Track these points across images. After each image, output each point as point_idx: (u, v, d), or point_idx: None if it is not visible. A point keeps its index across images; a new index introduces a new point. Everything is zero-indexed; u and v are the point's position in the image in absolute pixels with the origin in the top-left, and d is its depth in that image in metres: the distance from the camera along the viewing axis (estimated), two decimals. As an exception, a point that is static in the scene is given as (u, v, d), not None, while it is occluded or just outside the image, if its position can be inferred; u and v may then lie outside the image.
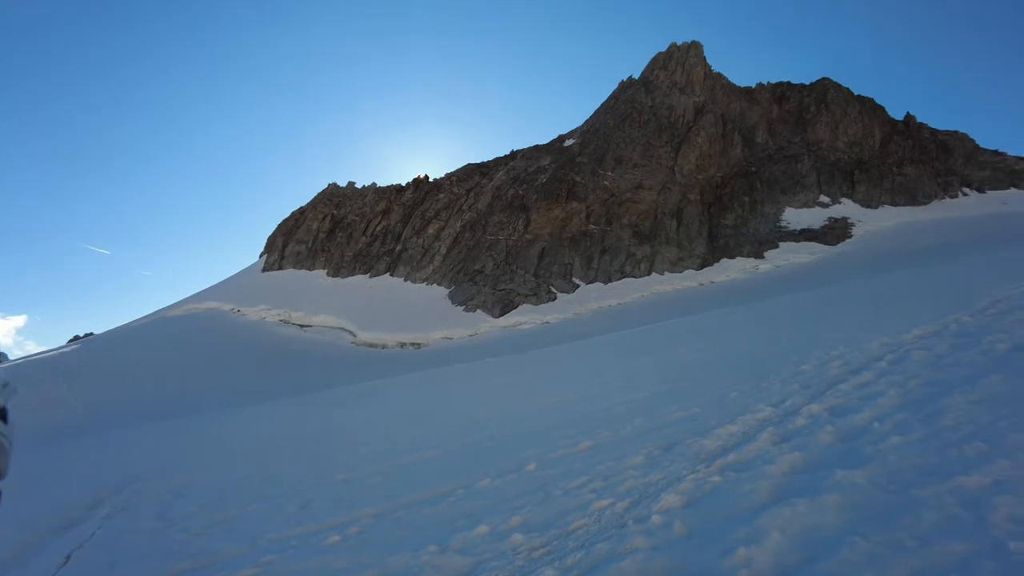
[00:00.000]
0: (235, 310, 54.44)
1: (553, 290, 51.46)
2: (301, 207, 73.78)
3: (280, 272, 65.93)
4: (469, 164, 74.88)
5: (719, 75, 74.77)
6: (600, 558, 3.44)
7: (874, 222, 57.56)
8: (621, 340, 22.48)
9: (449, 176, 72.68)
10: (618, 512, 4.12)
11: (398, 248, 63.43)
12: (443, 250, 61.07)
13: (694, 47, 74.88)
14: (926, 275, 19.91)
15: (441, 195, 67.95)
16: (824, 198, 62.81)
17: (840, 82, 74.16)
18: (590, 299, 49.00)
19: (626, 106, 70.35)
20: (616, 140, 65.49)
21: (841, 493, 3.39)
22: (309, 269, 65.60)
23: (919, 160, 67.09)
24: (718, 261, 53.74)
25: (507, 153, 75.07)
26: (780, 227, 57.65)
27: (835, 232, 55.27)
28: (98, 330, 58.95)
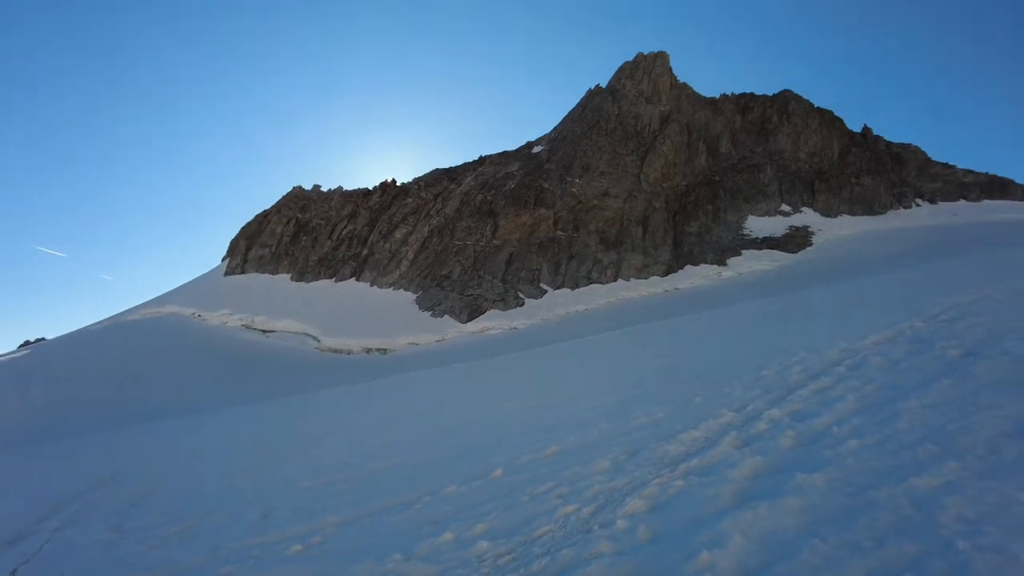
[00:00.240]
0: (196, 315, 53.11)
1: (521, 296, 51.56)
2: (265, 210, 72.48)
3: (243, 276, 64.58)
4: (437, 169, 74.66)
5: (684, 85, 76.13)
6: (565, 564, 3.44)
7: (833, 231, 59.19)
8: (588, 346, 22.63)
9: (417, 181, 72.33)
10: (584, 517, 4.13)
11: (364, 253, 62.78)
12: (410, 255, 60.67)
13: (660, 57, 76.11)
14: (882, 283, 20.53)
15: (409, 200, 67.56)
16: (785, 207, 64.37)
17: (801, 94, 76.30)
18: (557, 305, 49.22)
19: (593, 114, 71.07)
20: (584, 148, 66.08)
21: (801, 496, 3.46)
22: (272, 273, 64.42)
23: (875, 171, 69.32)
24: (682, 268, 54.58)
25: (476, 159, 75.10)
26: (743, 235, 58.86)
27: (796, 240, 56.66)
28: (51, 335, 56.81)
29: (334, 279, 61.09)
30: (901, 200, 67.04)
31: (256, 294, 57.31)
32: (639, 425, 6.59)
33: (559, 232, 57.57)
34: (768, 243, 56.69)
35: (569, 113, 77.26)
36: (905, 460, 3.66)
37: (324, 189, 75.28)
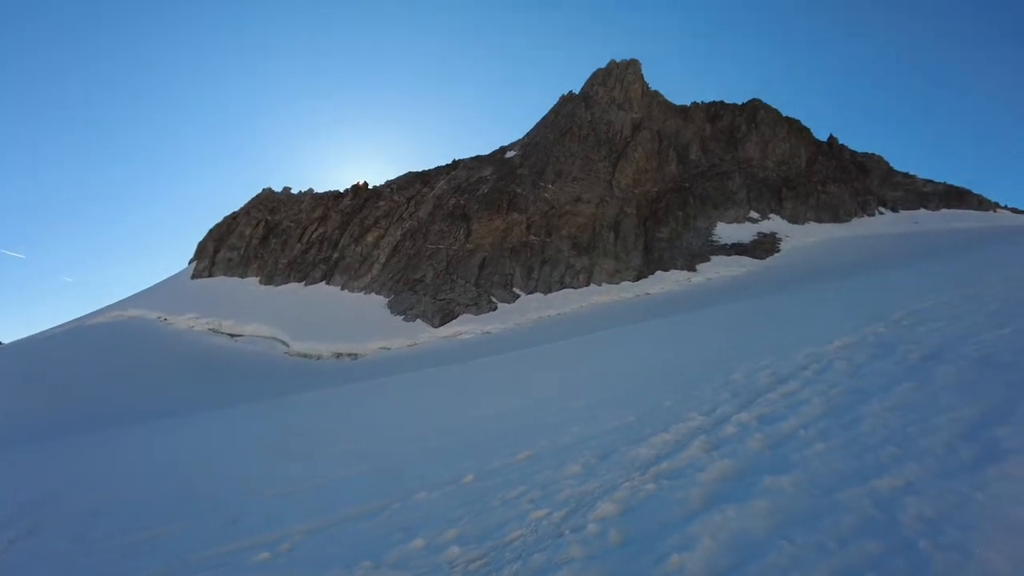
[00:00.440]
0: (162, 318, 51.90)
1: (494, 300, 51.53)
2: (234, 212, 71.26)
3: (210, 279, 63.34)
4: (410, 172, 74.28)
5: (656, 93, 77.14)
6: (536, 568, 3.44)
7: (800, 237, 60.46)
8: (560, 350, 22.69)
9: (389, 184, 71.86)
10: (555, 521, 4.14)
11: (335, 256, 62.10)
12: (382, 259, 60.21)
13: (632, 65, 77.01)
14: (847, 288, 21.00)
15: (381, 203, 67.07)
16: (754, 214, 65.56)
17: (769, 103, 77.94)
18: (530, 309, 49.30)
19: (566, 120, 71.53)
20: (556, 153, 66.43)
21: (769, 498, 3.51)
22: (241, 277, 63.31)
23: (841, 180, 71.07)
24: (653, 273, 55.16)
25: (449, 163, 74.94)
26: (712, 241, 59.75)
27: (764, 246, 57.73)
28: (7, 339, 54.97)
29: (304, 283, 60.29)
30: (865, 208, 68.82)
31: (224, 297, 56.24)
32: (610, 429, 6.63)
33: (532, 237, 57.73)
34: (737, 249, 57.64)
35: (542, 119, 77.68)
36: (868, 462, 3.74)
37: (294, 191, 74.36)
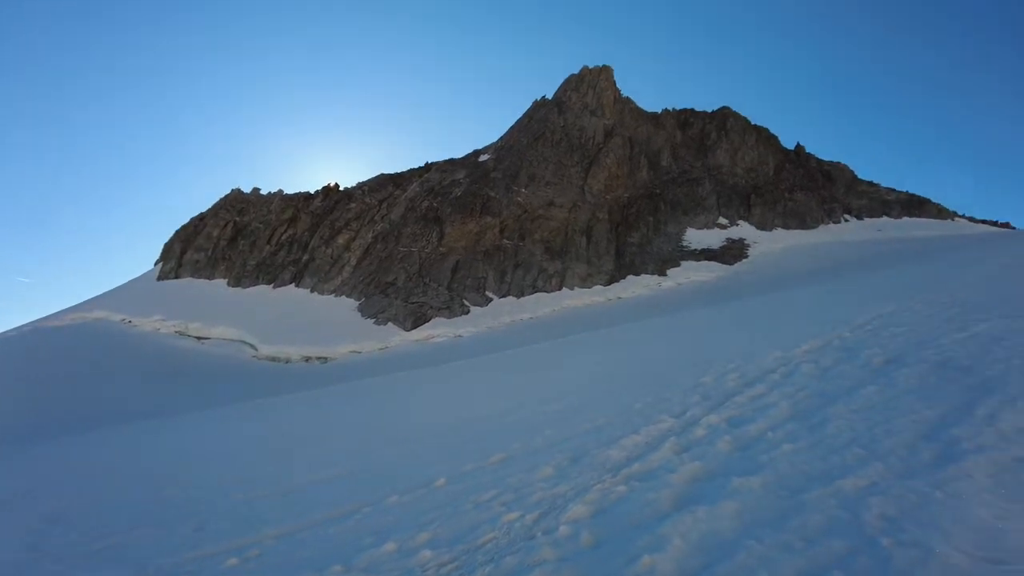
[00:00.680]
0: (126, 320, 50.55)
1: (466, 303, 51.38)
2: (201, 213, 69.83)
3: (177, 281, 61.94)
4: (382, 174, 73.69)
5: (628, 100, 77.92)
6: (509, 570, 3.44)
7: (768, 243, 61.58)
8: (533, 353, 22.73)
9: (361, 185, 71.19)
10: (527, 524, 4.14)
11: (305, 258, 61.26)
12: (353, 261, 59.59)
13: (605, 71, 77.70)
14: (814, 294, 21.45)
15: (352, 204, 66.41)
16: (723, 220, 66.61)
17: (739, 111, 79.33)
18: (503, 313, 49.28)
19: (539, 125, 71.82)
20: (530, 158, 66.63)
21: (738, 499, 3.57)
22: (208, 278, 62.03)
23: (807, 187, 72.65)
24: (625, 278, 55.63)
25: (421, 165, 74.58)
26: (682, 246, 60.52)
27: (732, 252, 58.68)
28: (-41, 341, 52.84)
29: (272, 285, 59.33)
30: (831, 215, 70.43)
31: (191, 299, 55.03)
32: (582, 431, 6.67)
33: (505, 241, 57.77)
34: (706, 255, 58.48)
35: (516, 123, 77.84)
36: (834, 463, 3.83)
37: (264, 192, 73.19)
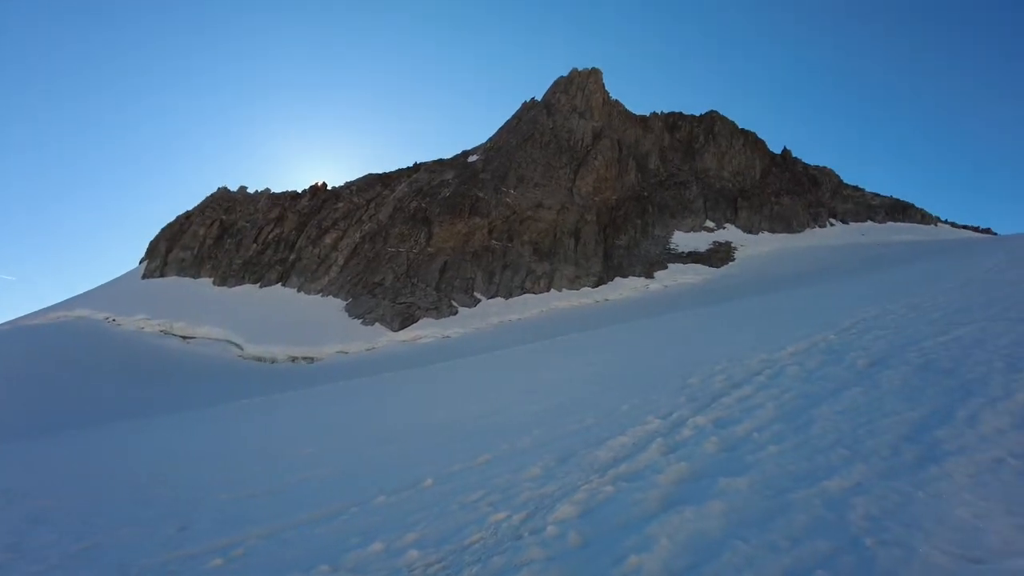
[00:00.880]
0: (110, 319, 49.92)
1: (454, 304, 51.31)
2: (188, 211, 69.13)
3: (162, 279, 61.28)
4: (370, 174, 73.40)
5: (616, 102, 78.22)
6: (496, 570, 3.44)
7: (754, 247, 62.10)
8: (520, 354, 22.73)
9: (349, 185, 70.87)
10: (514, 524, 4.15)
11: (292, 257, 60.87)
12: (340, 261, 59.29)
13: (594, 74, 77.95)
14: (799, 297, 21.63)
15: (340, 204, 66.10)
16: (710, 223, 67.10)
17: (726, 115, 79.97)
18: (491, 314, 49.28)
19: (528, 127, 71.91)
20: (518, 159, 66.70)
21: (724, 500, 3.60)
22: (194, 277, 61.45)
23: (793, 191, 73.39)
24: (612, 280, 55.86)
25: (410, 165, 74.39)
26: (669, 249, 60.88)
27: (719, 255, 59.10)
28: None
29: (259, 284, 58.90)
30: (817, 219, 71.19)
31: (176, 298, 54.45)
32: (569, 432, 6.69)
33: (493, 241, 57.77)
34: (693, 257, 58.86)
35: (505, 124, 77.88)
36: (819, 464, 3.88)
37: (251, 191, 72.68)
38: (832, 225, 71.39)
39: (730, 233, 65.65)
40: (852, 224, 71.88)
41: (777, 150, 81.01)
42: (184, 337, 46.96)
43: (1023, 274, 13.29)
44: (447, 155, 76.63)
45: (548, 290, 54.41)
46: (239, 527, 5.60)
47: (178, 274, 62.15)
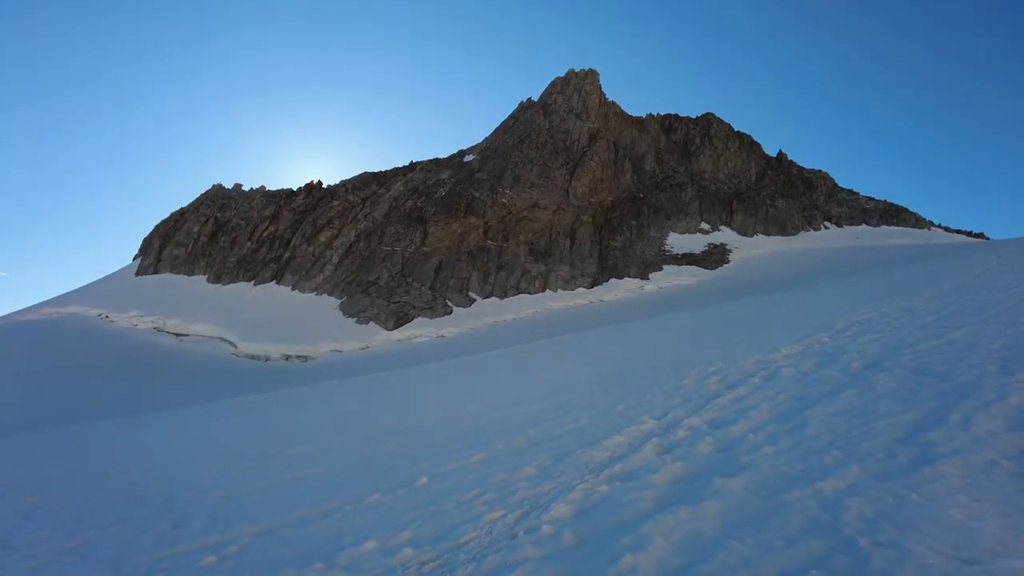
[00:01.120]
0: (103, 316, 49.68)
1: (449, 304, 51.27)
2: (182, 208, 68.89)
3: (156, 276, 61.02)
4: (366, 172, 73.27)
5: (613, 103, 78.33)
6: (491, 569, 3.44)
7: (749, 249, 62.30)
8: (515, 354, 22.74)
9: (344, 183, 70.71)
10: (509, 523, 4.14)
11: (286, 255, 60.68)
12: (335, 259, 59.16)
13: (590, 75, 78.02)
14: (794, 299, 21.69)
15: (335, 202, 65.95)
16: (705, 225, 67.27)
17: (723, 117, 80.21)
18: (486, 313, 49.27)
19: (525, 127, 71.93)
20: (515, 159, 66.70)
21: (719, 500, 3.60)
22: (188, 274, 61.21)
23: (788, 194, 73.68)
24: (607, 280, 55.94)
25: (406, 164, 74.28)
26: (664, 251, 61.02)
27: (714, 257, 59.25)
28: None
29: (253, 282, 58.70)
30: (811, 222, 71.50)
31: (170, 296, 54.26)
32: (565, 431, 6.69)
33: (489, 241, 57.75)
34: (688, 259, 59.01)
35: (501, 124, 77.91)
36: (813, 465, 3.89)
37: (246, 188, 72.46)
38: (826, 228, 71.73)
39: (725, 235, 65.85)
40: (846, 228, 72.25)
41: (773, 153, 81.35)
42: (177, 335, 46.79)
43: (1016, 279, 13.36)
44: (443, 154, 76.72)
45: (543, 290, 54.44)
46: (233, 525, 5.58)
47: (172, 271, 61.91)
